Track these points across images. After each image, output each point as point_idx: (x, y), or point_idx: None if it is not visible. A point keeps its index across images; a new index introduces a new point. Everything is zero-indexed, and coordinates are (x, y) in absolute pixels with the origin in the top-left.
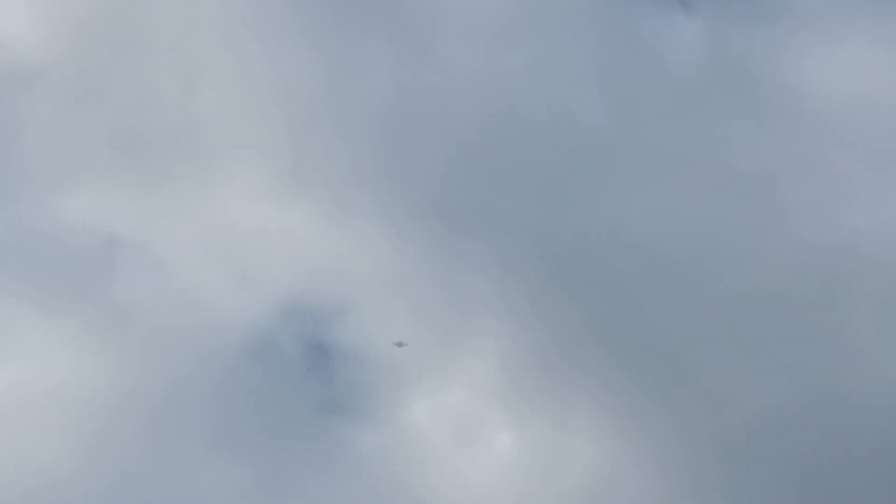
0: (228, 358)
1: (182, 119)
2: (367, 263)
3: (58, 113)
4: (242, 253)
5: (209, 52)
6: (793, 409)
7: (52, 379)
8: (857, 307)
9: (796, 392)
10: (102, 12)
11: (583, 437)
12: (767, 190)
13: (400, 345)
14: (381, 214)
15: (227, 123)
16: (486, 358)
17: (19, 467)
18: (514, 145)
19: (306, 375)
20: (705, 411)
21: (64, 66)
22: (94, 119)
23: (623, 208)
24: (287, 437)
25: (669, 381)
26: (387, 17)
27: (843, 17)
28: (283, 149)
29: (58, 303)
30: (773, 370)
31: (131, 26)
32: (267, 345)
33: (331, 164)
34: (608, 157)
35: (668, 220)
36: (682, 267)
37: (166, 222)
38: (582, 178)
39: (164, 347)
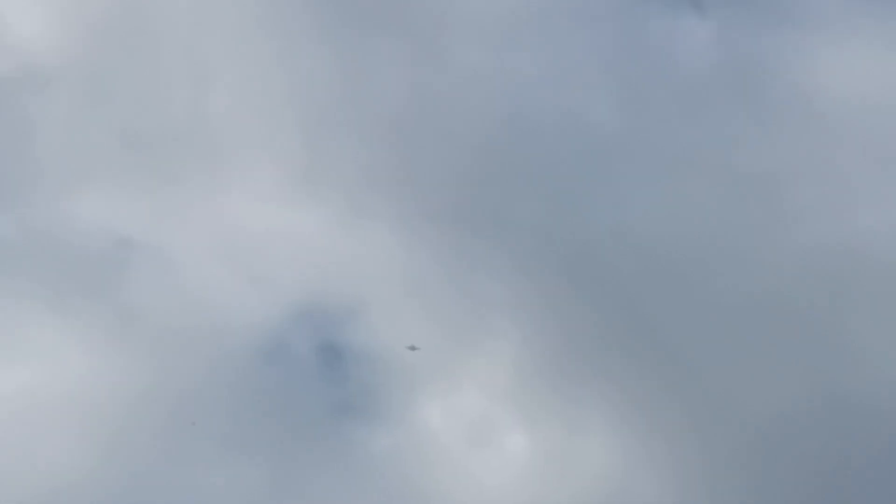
0: (241, 359)
1: (194, 121)
2: (380, 265)
3: (70, 115)
4: (255, 255)
5: (222, 54)
6: (804, 410)
7: (65, 381)
8: (866, 308)
9: (807, 393)
10: (115, 15)
11: (595, 438)
12: (778, 191)
13: (413, 349)
14: (393, 216)
15: (240, 126)
16: (498, 360)
17: (34, 468)
18: (527, 147)
19: (319, 377)
20: (717, 412)
21: (76, 69)
22: (107, 121)
23: (635, 211)
24: (300, 439)
25: (681, 382)
26: (399, 20)
27: (851, 20)
28: (296, 151)
29: (70, 304)
30: (784, 371)
31: (143, 29)
32: (280, 346)
33: (344, 167)
34: (620, 159)
35: (680, 223)
36: (694, 269)
37: (178, 224)
38: (594, 181)
39: (177, 349)
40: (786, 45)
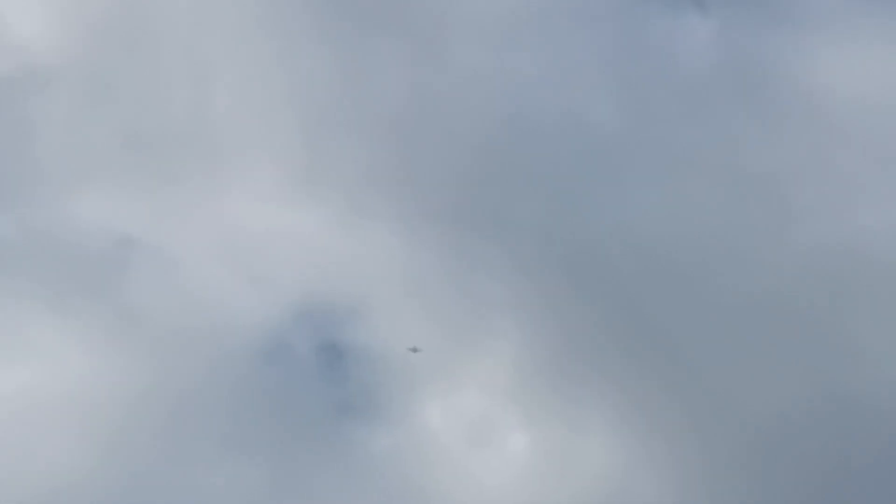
0: (242, 359)
1: (195, 121)
2: (381, 265)
3: (70, 115)
4: (256, 254)
5: (222, 54)
6: (806, 410)
7: (65, 380)
8: (868, 308)
9: (809, 392)
10: (116, 14)
11: (596, 438)
12: (780, 191)
13: (414, 350)
14: (394, 216)
15: (241, 125)
16: (499, 359)
17: (34, 468)
18: (528, 147)
19: (320, 376)
20: (718, 412)
21: (77, 69)
22: (107, 121)
23: (636, 210)
24: (300, 439)
25: (682, 382)
26: (400, 19)
27: (854, 19)
28: (296, 150)
29: (71, 304)
30: (786, 371)
31: (144, 28)
32: (280, 346)
33: (344, 166)
34: (620, 159)
35: (681, 222)
36: (695, 268)
37: (179, 224)
38: (595, 181)
39: (178, 349)
40: (788, 44)
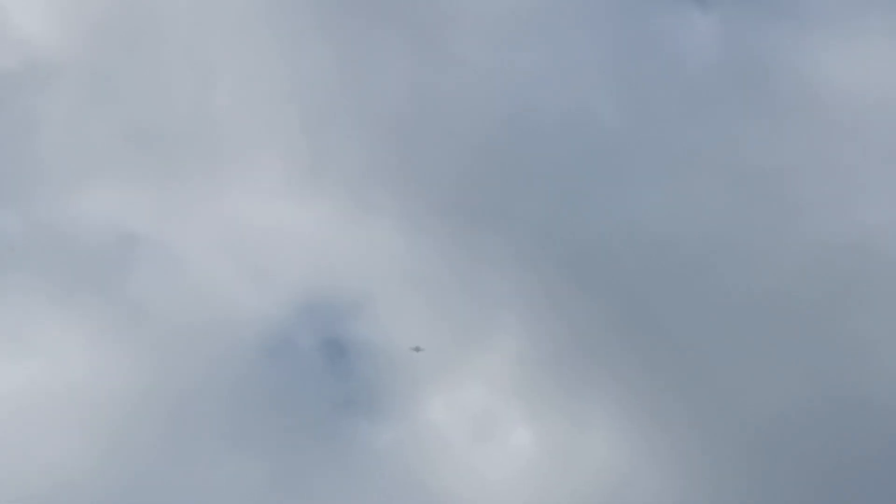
0: (245, 355)
1: (198, 117)
2: (384, 260)
3: (74, 111)
4: (259, 250)
5: (225, 50)
6: (809, 408)
7: (69, 376)
8: (873, 306)
9: (812, 390)
10: (118, 11)
11: (599, 433)
12: (784, 188)
13: (417, 349)
14: (398, 211)
15: (244, 121)
16: (503, 355)
17: (37, 463)
18: (531, 143)
19: (324, 372)
20: (722, 408)
21: (80, 65)
22: (111, 117)
23: (639, 206)
24: (303, 434)
25: (686, 378)
26: (403, 16)
27: (856, 15)
28: (299, 146)
29: (74, 300)
30: (789, 368)
31: (147, 25)
32: (284, 342)
33: (348, 162)
34: (624, 155)
35: (684, 219)
36: (699, 265)
37: (183, 219)
38: (598, 177)
39: (181, 344)
40: (790, 42)
